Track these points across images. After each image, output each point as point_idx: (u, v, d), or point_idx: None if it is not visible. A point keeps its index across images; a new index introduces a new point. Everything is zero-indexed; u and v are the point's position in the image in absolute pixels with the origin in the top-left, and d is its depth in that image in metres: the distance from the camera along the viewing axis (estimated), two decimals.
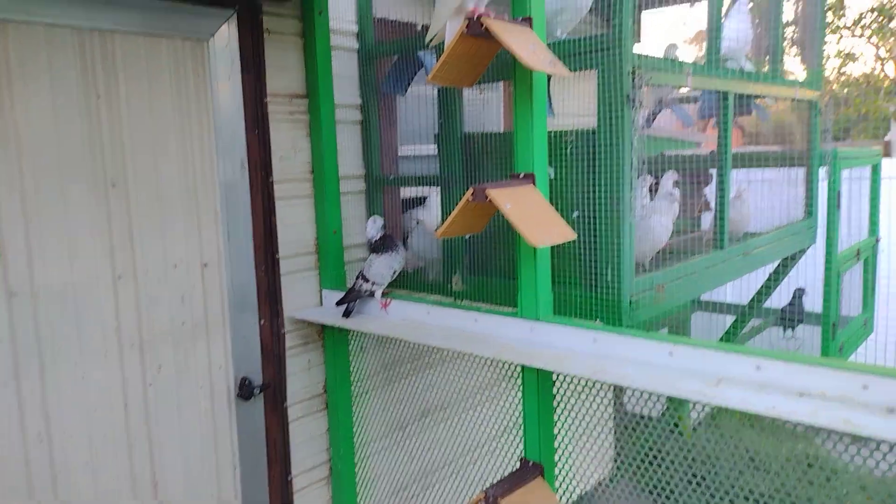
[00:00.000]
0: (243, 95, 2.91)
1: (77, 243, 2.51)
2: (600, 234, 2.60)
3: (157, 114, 2.67)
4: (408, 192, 3.78)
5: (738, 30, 3.32)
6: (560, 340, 2.40)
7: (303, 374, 3.27)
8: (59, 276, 2.46)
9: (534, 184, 2.42)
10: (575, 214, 2.64)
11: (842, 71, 11.81)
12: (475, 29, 2.19)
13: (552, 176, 2.64)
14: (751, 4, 3.86)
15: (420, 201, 3.73)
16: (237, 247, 2.98)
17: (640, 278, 2.74)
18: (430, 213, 3.58)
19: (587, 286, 2.72)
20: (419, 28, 3.09)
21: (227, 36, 2.82)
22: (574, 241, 2.52)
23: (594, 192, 2.58)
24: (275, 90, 3.03)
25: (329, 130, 3.17)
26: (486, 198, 2.27)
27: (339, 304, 3.07)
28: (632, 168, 2.58)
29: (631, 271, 2.62)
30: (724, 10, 3.34)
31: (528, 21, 2.31)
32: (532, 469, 2.51)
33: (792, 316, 5.04)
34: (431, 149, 3.28)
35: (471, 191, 2.31)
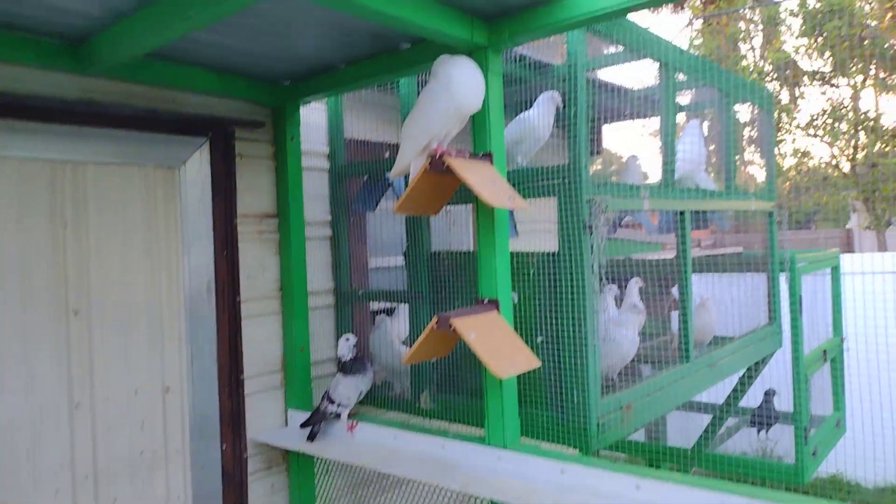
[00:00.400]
0: (213, 218, 2.96)
1: (34, 373, 2.45)
2: (565, 359, 2.61)
3: (126, 240, 2.69)
4: (378, 303, 3.79)
5: (691, 151, 3.49)
6: (528, 470, 2.36)
7: (265, 499, 3.15)
8: (12, 407, 2.39)
9: (497, 310, 2.46)
10: (539, 340, 2.67)
11: (799, 167, 12.42)
12: (438, 166, 2.28)
13: (515, 301, 2.68)
14: (702, 123, 4.08)
15: (389, 312, 3.74)
16: (201, 369, 2.94)
17: (607, 399, 2.74)
18: (399, 324, 3.58)
19: (554, 408, 2.70)
20: (387, 155, 3.20)
21: (199, 162, 2.90)
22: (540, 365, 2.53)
23: (558, 317, 2.62)
24: (245, 211, 3.08)
25: (298, 248, 3.21)
26: (451, 327, 2.29)
27: (303, 426, 3.00)
28: (593, 290, 2.63)
29: (597, 395, 2.62)
30: (677, 131, 3.52)
31: (488, 156, 2.41)
32: None
33: (764, 418, 5.03)
34: (402, 260, 3.32)
35: (435, 319, 2.34)
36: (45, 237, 2.47)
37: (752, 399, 5.10)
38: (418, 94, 3.06)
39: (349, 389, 2.94)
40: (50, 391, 2.49)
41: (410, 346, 2.70)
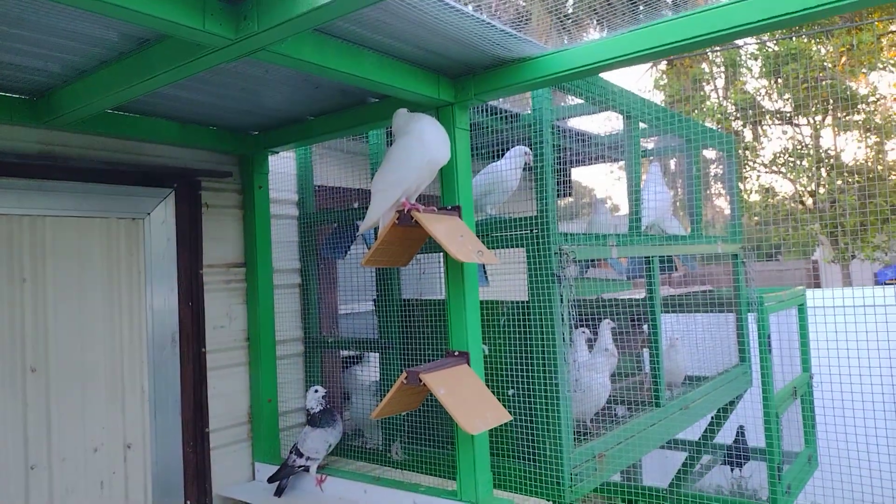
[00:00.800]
0: (178, 269, 2.91)
1: None
2: (537, 411, 2.59)
3: (86, 294, 2.63)
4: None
5: (655, 199, 3.54)
6: None
7: None
8: None
9: (468, 362, 2.44)
10: (511, 392, 2.65)
11: (765, 202, 12.75)
12: (406, 221, 2.27)
13: (486, 352, 2.67)
14: (664, 166, 4.15)
15: (358, 359, 3.69)
16: (164, 424, 2.85)
17: (581, 449, 2.72)
18: (370, 370, 3.53)
19: (528, 459, 2.67)
20: (356, 205, 3.19)
21: (164, 213, 2.85)
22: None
23: (529, 367, 2.60)
24: (211, 261, 3.04)
25: (266, 296, 3.17)
26: (421, 382, 2.26)
27: (270, 480, 2.92)
28: (564, 339, 2.62)
29: (570, 446, 2.60)
30: (641, 175, 3.57)
31: (456, 209, 2.41)
32: None
33: (738, 454, 5.03)
34: (373, 305, 3.29)
35: (404, 374, 2.31)
36: (2, 293, 2.40)
37: (725, 435, 5.12)
38: (388, 143, 3.07)
39: (318, 443, 2.88)
40: (4, 453, 2.39)
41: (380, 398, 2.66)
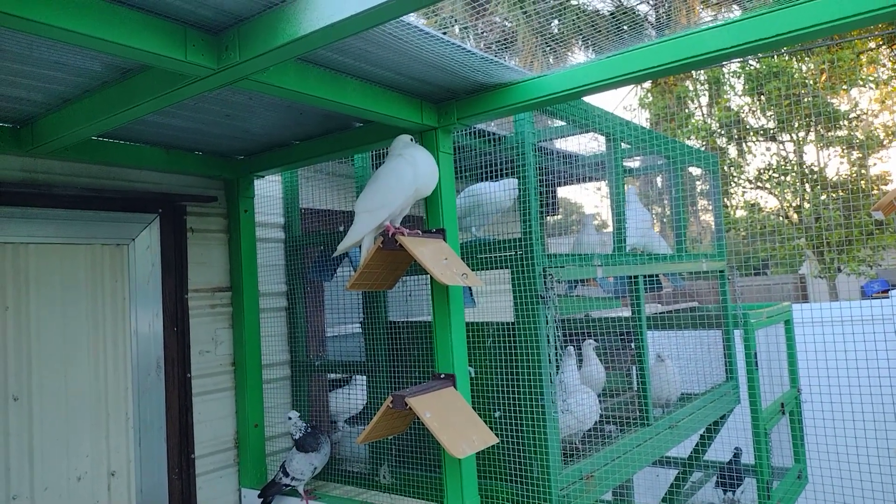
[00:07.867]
0: (163, 294, 2.89)
1: None
2: (524, 432, 2.58)
3: (70, 321, 2.61)
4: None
5: (636, 220, 3.58)
6: None
7: None
8: None
9: (454, 385, 2.43)
10: (497, 414, 2.64)
11: (750, 218, 12.88)
12: (390, 245, 2.28)
13: (472, 375, 2.67)
14: (640, 188, 4.18)
15: (345, 381, 3.67)
16: (149, 451, 2.82)
17: (569, 470, 2.71)
18: (357, 393, 3.51)
19: (515, 481, 2.66)
20: (341, 228, 3.20)
21: (148, 239, 2.85)
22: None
23: (515, 389, 2.60)
24: (196, 285, 3.03)
25: (252, 320, 3.15)
26: (406, 406, 2.26)
27: (261, 496, 2.92)
28: (550, 360, 2.63)
29: (557, 467, 2.59)
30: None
31: (441, 232, 2.43)
32: None
33: (731, 476, 5.00)
34: (360, 327, 3.28)
35: (390, 398, 2.30)
36: None
37: (715, 453, 5.10)
38: (373, 166, 3.09)
39: (303, 465, 2.86)
40: None
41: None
